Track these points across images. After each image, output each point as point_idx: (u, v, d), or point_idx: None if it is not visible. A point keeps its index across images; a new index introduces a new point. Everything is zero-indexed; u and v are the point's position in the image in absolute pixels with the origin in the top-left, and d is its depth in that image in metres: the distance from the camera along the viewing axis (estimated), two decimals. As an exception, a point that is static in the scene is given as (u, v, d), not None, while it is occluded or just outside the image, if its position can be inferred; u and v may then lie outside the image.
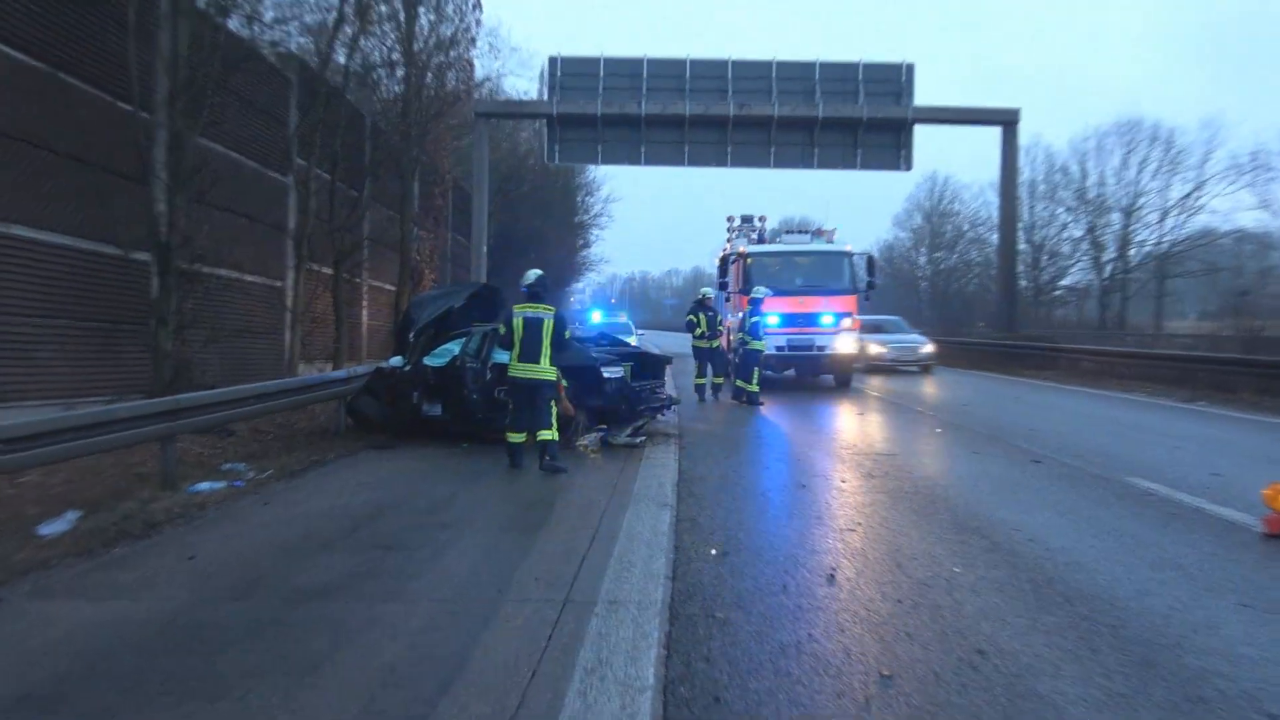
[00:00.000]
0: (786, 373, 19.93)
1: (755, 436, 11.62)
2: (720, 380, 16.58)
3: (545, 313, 8.97)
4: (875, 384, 18.98)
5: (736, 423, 13.01)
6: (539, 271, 9.38)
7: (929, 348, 23.92)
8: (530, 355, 8.86)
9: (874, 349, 23.34)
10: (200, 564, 5.59)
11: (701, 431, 11.83)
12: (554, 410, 8.88)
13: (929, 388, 18.91)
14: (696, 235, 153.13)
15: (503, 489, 7.88)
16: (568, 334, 9.05)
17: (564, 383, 9.28)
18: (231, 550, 5.89)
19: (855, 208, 54.37)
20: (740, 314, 18.25)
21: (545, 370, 8.85)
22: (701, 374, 16.45)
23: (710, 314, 16.52)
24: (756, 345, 15.57)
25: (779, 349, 17.65)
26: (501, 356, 9.92)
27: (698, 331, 16.40)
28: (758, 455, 10.01)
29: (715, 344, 16.52)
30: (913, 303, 58.18)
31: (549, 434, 8.77)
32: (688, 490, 7.83)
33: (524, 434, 8.88)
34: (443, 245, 25.76)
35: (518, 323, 8.94)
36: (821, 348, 17.87)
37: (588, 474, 8.56)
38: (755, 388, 15.30)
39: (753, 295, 16.19)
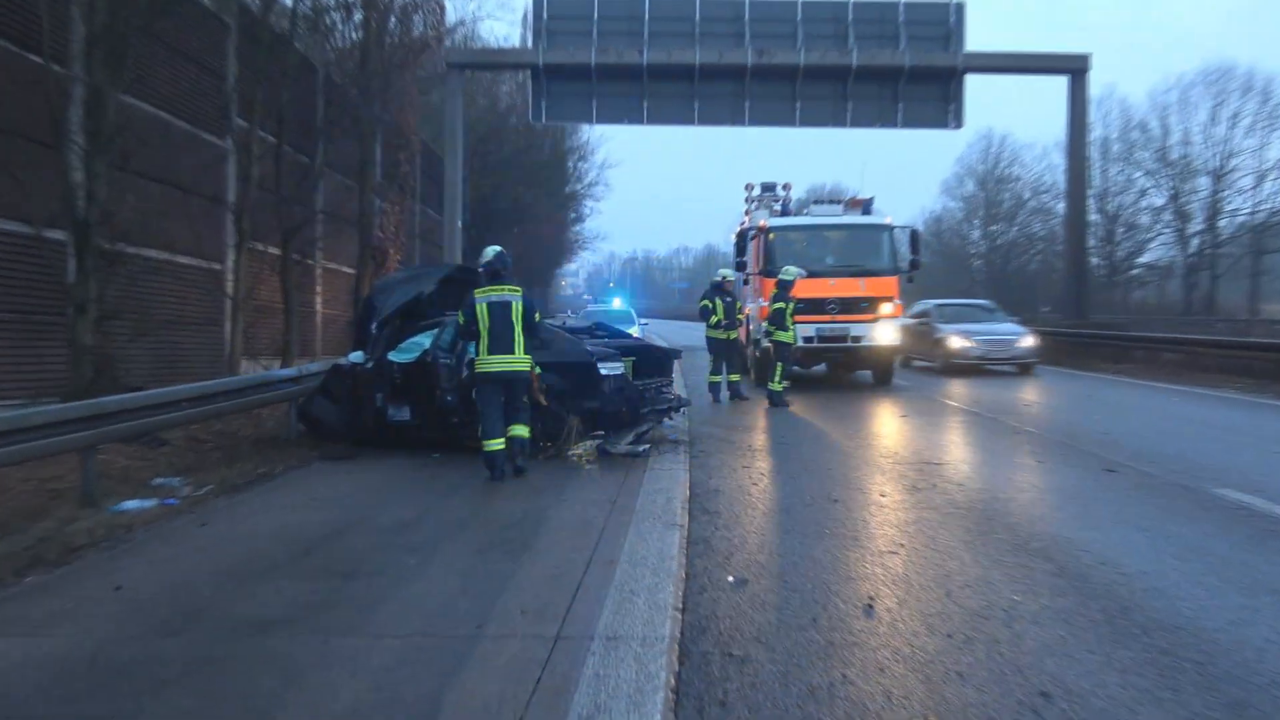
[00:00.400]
0: (816, 368, 19.96)
1: (779, 443, 11.64)
2: (738, 377, 16.58)
3: (511, 294, 9.15)
4: (957, 390, 18.80)
5: (757, 427, 13.01)
6: (498, 248, 9.57)
7: (1029, 340, 21.72)
8: (502, 345, 9.01)
9: (956, 342, 21.76)
10: (128, 594, 5.61)
11: (716, 437, 11.85)
12: (529, 406, 9.13)
13: (983, 384, 18.91)
14: (709, 207, 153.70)
15: (481, 505, 7.89)
16: (539, 317, 9.35)
17: (537, 370, 9.47)
18: (164, 578, 5.91)
19: (895, 174, 54.52)
20: (760, 300, 18.26)
21: (521, 361, 9.07)
22: (717, 370, 16.45)
23: (729, 300, 16.49)
24: (783, 337, 15.56)
25: (807, 340, 17.69)
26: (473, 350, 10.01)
27: (713, 320, 16.36)
28: (782, 465, 10.02)
29: (733, 335, 16.52)
30: (964, 283, 58.21)
31: (523, 430, 9.02)
32: (700, 506, 7.85)
33: (503, 440, 9.01)
34: (410, 220, 25.81)
35: (481, 309, 9.08)
36: (857, 338, 17.88)
37: (582, 487, 8.57)
38: (780, 386, 15.32)
39: (780, 276, 16.09)
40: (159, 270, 14.01)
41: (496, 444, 8.97)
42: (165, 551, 6.57)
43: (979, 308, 24.76)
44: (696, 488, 8.61)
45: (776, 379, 15.33)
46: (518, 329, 9.07)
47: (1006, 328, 22.59)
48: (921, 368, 22.99)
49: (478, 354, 9.16)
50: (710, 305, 16.45)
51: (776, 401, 15.11)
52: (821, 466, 9.79)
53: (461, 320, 9.28)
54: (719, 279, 16.81)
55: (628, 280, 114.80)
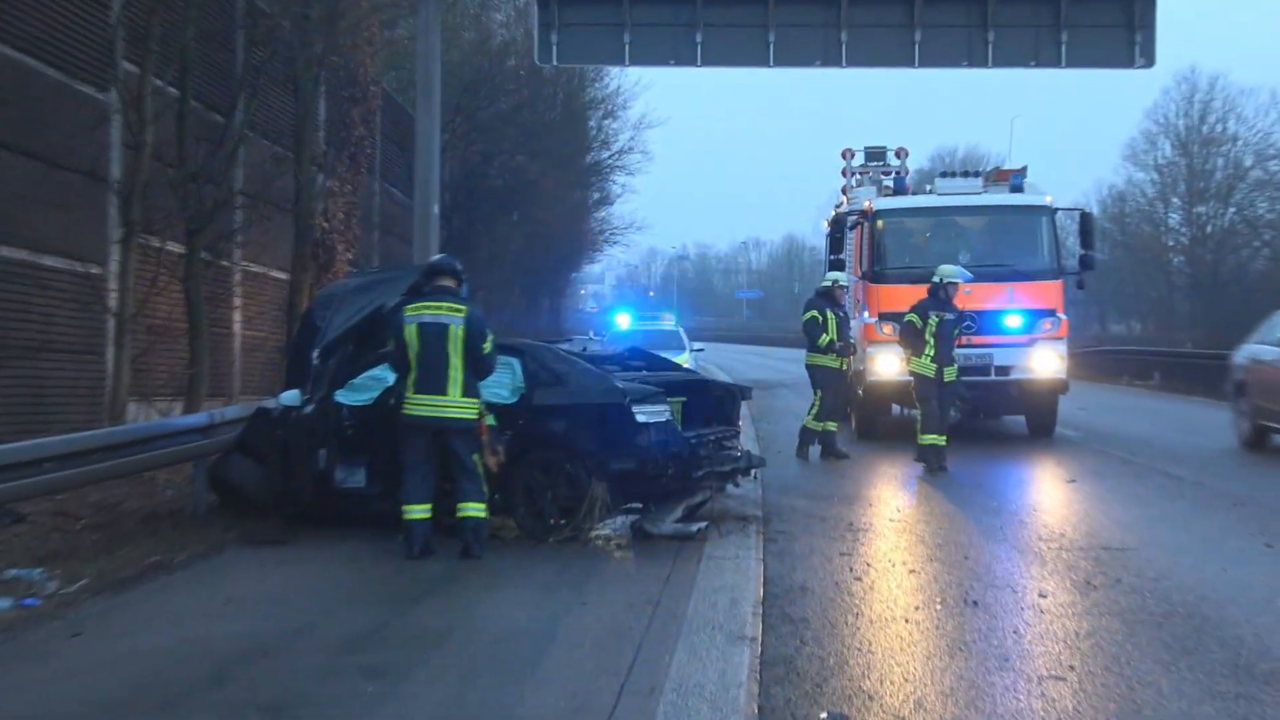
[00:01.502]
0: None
1: (894, 520, 11.60)
2: (835, 426, 16.36)
3: (452, 314, 9.39)
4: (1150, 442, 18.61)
5: (861, 497, 12.94)
6: (447, 256, 10.05)
7: None
8: (433, 381, 9.31)
9: None
10: (-33, 736, 5.66)
11: (803, 512, 11.81)
12: (481, 470, 9.34)
13: (1185, 437, 18.69)
14: (790, 184, 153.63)
15: (469, 610, 7.89)
16: (487, 346, 9.50)
17: (488, 420, 9.63)
18: (19, 712, 5.95)
19: (1056, 136, 54.24)
20: (864, 314, 18.18)
21: (460, 406, 9.31)
22: (826, 412, 16.16)
23: (841, 314, 16.37)
24: (924, 368, 14.96)
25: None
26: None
27: (823, 340, 16.15)
28: (898, 551, 9.99)
29: (844, 363, 16.37)
30: (1159, 290, 57.80)
31: (476, 509, 9.30)
32: (779, 611, 7.80)
33: (427, 506, 9.38)
34: (367, 204, 26.01)
35: (410, 331, 9.38)
36: (1005, 369, 17.74)
37: (610, 584, 8.56)
38: (943, 438, 14.90)
39: (941, 279, 15.38)
40: (13, 276, 14.16)
41: (417, 511, 9.33)
42: (20, 675, 6.59)
43: None
44: (775, 585, 8.56)
45: (937, 429, 14.86)
46: (455, 360, 9.29)
47: None
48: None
49: (405, 392, 9.45)
50: (819, 318, 16.22)
51: (934, 464, 14.68)
52: (955, 554, 9.73)
53: (391, 346, 9.55)
54: (828, 284, 16.66)
55: (673, 288, 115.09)
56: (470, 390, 9.39)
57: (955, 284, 15.37)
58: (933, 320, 14.98)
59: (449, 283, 9.70)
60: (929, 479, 14.10)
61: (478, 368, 9.43)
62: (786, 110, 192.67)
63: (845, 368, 16.38)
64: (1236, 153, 57.54)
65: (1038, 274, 18.07)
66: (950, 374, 15.01)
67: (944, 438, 14.87)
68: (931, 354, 14.89)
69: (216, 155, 17.45)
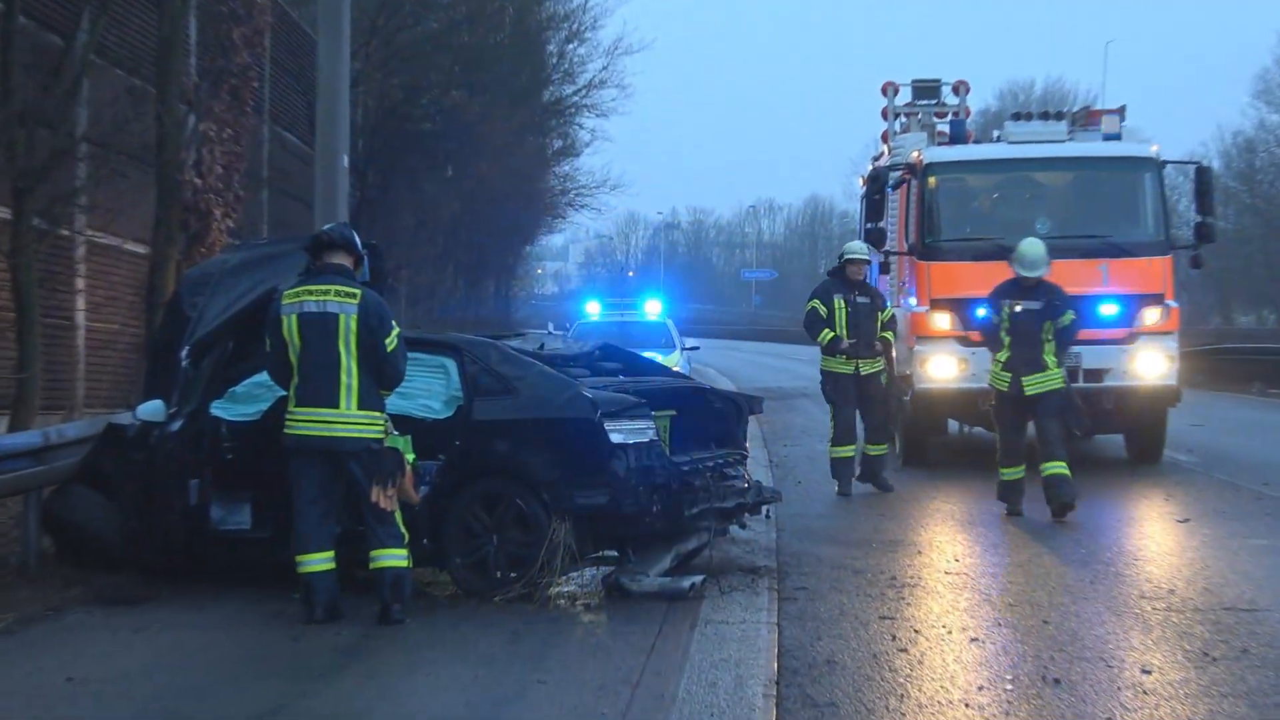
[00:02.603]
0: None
1: (949, 571, 11.62)
2: (882, 449, 16.36)
3: (342, 300, 9.41)
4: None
5: (907, 541, 13.02)
6: (341, 225, 10.13)
7: None
8: (319, 391, 9.37)
9: None
10: None
11: (830, 561, 11.87)
12: (396, 507, 9.35)
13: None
14: (813, 134, 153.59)
15: (386, 691, 7.89)
16: (390, 341, 9.46)
17: (405, 451, 9.60)
18: None
19: (1164, 68, 54.26)
20: (912, 299, 18.20)
21: (352, 420, 9.37)
22: (843, 434, 16.29)
23: (860, 301, 16.24)
24: (1052, 380, 14.52)
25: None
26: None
27: (824, 337, 16.27)
28: (955, 613, 10.01)
29: (871, 366, 16.34)
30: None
31: (394, 557, 9.32)
32: (799, 693, 7.83)
33: (328, 555, 9.43)
34: (254, 153, 25.94)
35: (289, 325, 9.44)
36: (1097, 374, 17.74)
37: (577, 656, 8.58)
38: (1065, 467, 14.24)
39: (1019, 259, 14.80)
40: None
41: (316, 561, 9.37)
42: None
43: None
44: (793, 658, 8.57)
45: (1002, 461, 14.63)
46: (348, 363, 9.32)
47: None
48: None
49: (288, 404, 9.51)
50: (820, 310, 16.31)
51: (1013, 505, 14.49)
52: (1030, 616, 9.74)
53: (269, 346, 9.61)
54: (841, 259, 16.67)
55: (659, 266, 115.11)
56: (369, 401, 9.39)
57: (1036, 265, 14.72)
58: (1005, 311, 14.65)
59: (342, 260, 9.68)
60: (1007, 521, 14.19)
61: (380, 372, 9.43)
62: (809, 39, 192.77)
63: (866, 371, 16.21)
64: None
65: (1140, 248, 18.16)
66: (1037, 384, 14.47)
67: (1059, 465, 14.29)
68: (1005, 358, 14.59)
69: (53, 89, 17.42)
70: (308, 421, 9.33)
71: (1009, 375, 14.48)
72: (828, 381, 16.56)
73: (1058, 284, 14.93)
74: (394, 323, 9.65)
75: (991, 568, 11.75)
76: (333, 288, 9.42)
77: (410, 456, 9.64)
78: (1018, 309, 14.53)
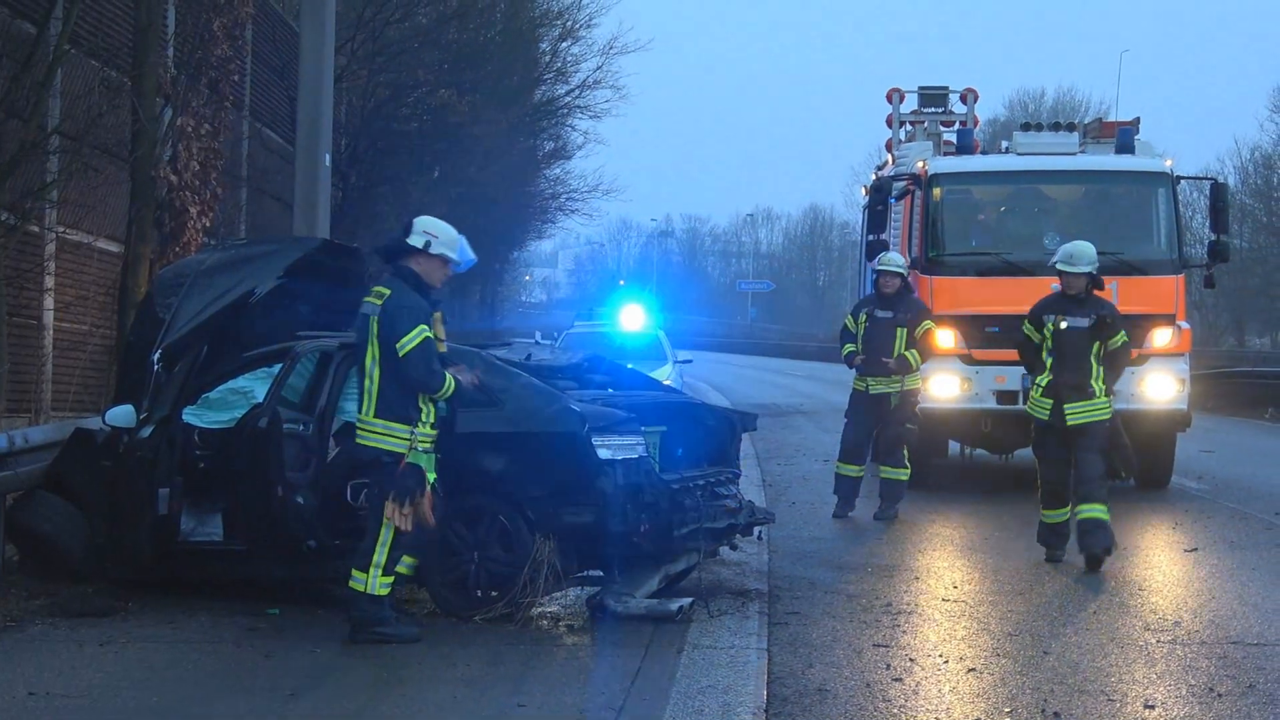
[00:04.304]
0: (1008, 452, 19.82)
1: (947, 598, 11.64)
2: (906, 474, 16.19)
3: (374, 303, 9.44)
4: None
5: (903, 566, 13.04)
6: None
7: None
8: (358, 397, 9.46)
9: None
10: None
11: (824, 586, 11.88)
12: (385, 521, 9.26)
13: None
14: (813, 142, 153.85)
15: (354, 711, 7.88)
16: (404, 346, 9.31)
17: (428, 473, 9.51)
18: None
19: (1179, 80, 54.47)
20: (917, 320, 18.23)
21: (369, 429, 9.39)
22: (847, 452, 16.38)
23: (882, 316, 16.15)
24: (1099, 410, 13.29)
25: (999, 398, 17.85)
26: (351, 406, 10.18)
27: (845, 350, 16.36)
28: (951, 641, 10.01)
29: (885, 386, 16.30)
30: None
31: (374, 581, 9.25)
32: (789, 722, 7.82)
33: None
34: (233, 150, 25.93)
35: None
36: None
37: (559, 679, 8.57)
38: (1104, 511, 13.08)
39: (1063, 253, 13.79)
40: None
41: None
42: None
43: None
44: (783, 685, 8.55)
45: (1042, 501, 13.57)
46: (370, 367, 9.38)
47: None
48: None
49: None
50: (850, 323, 16.44)
51: (1053, 552, 13.46)
52: (1030, 647, 9.73)
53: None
54: (888, 267, 16.41)
55: (652, 274, 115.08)
56: (390, 409, 9.33)
57: (1067, 273, 13.53)
58: (1049, 327, 13.56)
59: (404, 261, 9.65)
60: (1008, 549, 14.17)
61: (399, 377, 9.33)
62: (813, 43, 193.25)
63: (878, 390, 16.15)
64: None
65: (1151, 265, 18.17)
66: (1081, 414, 13.29)
67: (1097, 508, 13.09)
68: (1045, 382, 13.48)
69: (23, 80, 17.43)
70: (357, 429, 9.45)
71: (1049, 402, 13.40)
72: (852, 400, 16.72)
73: (1109, 300, 14.09)
74: (420, 326, 9.42)
75: (991, 596, 11.74)
76: (376, 288, 9.48)
77: (431, 476, 9.54)
78: (1063, 325, 13.40)
